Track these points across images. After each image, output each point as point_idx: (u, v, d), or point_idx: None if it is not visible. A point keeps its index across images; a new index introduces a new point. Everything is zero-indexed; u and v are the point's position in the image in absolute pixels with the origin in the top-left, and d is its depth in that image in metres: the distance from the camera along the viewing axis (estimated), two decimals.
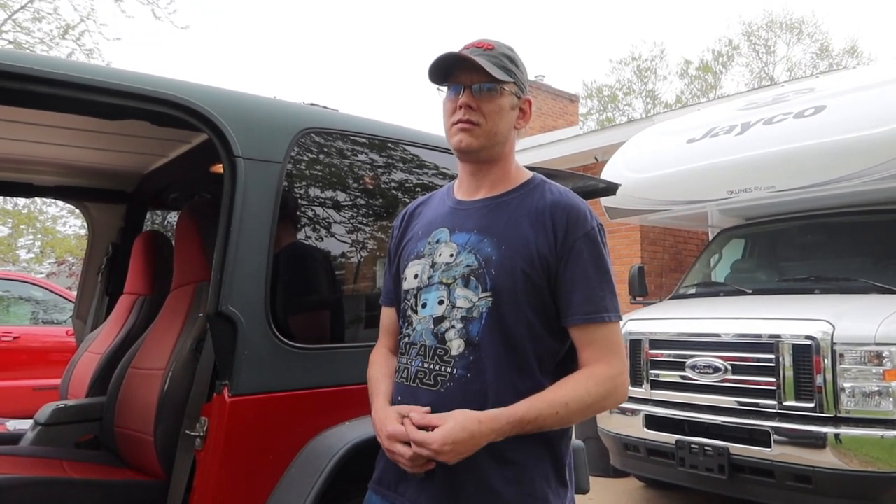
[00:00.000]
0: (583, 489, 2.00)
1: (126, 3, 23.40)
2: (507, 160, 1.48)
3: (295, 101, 2.33)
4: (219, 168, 2.37)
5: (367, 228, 2.47)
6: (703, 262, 5.51)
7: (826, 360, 3.53)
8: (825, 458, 3.42)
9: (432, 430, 1.25)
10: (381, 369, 1.53)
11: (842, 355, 3.50)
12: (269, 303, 1.92)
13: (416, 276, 1.45)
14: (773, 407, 3.69)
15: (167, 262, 2.75)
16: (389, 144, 2.44)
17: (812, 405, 3.54)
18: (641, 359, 4.31)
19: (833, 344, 3.53)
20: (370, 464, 1.52)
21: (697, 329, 4.16)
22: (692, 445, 3.90)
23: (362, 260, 2.50)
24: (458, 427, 1.23)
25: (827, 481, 3.43)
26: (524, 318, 1.35)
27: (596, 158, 8.05)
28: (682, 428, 4.02)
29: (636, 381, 4.32)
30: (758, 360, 3.79)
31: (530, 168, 1.58)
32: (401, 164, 2.50)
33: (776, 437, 3.59)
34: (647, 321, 4.49)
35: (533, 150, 8.73)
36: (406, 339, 1.45)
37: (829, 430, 3.44)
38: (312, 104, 2.37)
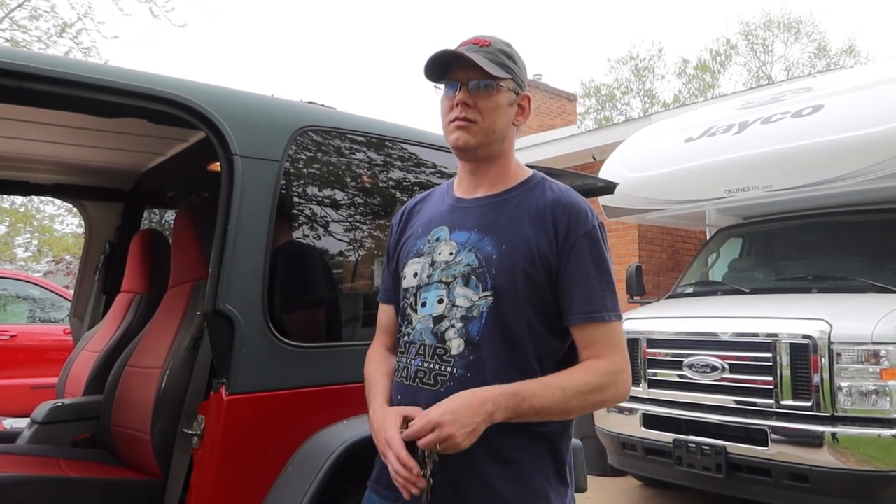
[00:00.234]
0: (580, 488, 2.00)
1: (124, 1, 23.43)
2: (506, 157, 1.47)
3: (293, 99, 2.33)
4: (216, 166, 2.37)
5: (364, 227, 2.47)
6: (701, 262, 5.51)
7: (823, 359, 3.53)
8: (822, 457, 3.43)
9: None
10: (378, 367, 1.52)
11: (839, 354, 3.50)
12: (267, 301, 1.92)
13: (415, 275, 1.44)
14: (770, 406, 3.69)
15: (164, 260, 2.74)
16: (387, 143, 2.44)
17: (809, 404, 3.55)
18: (639, 358, 4.31)
19: (830, 343, 3.53)
20: (368, 462, 1.51)
21: (695, 328, 4.16)
22: (689, 444, 3.90)
23: (360, 258, 2.50)
24: (448, 399, 1.25)
25: (824, 480, 3.44)
26: (525, 318, 1.34)
27: (594, 157, 8.06)
28: (680, 427, 4.02)
29: (634, 379, 4.31)
30: (755, 359, 3.79)
31: (529, 166, 1.57)
32: (399, 163, 2.50)
33: (773, 436, 3.59)
34: (644, 320, 4.49)
35: (531, 148, 8.73)
36: (406, 338, 1.44)
37: (827, 429, 3.45)
38: (310, 102, 2.37)
